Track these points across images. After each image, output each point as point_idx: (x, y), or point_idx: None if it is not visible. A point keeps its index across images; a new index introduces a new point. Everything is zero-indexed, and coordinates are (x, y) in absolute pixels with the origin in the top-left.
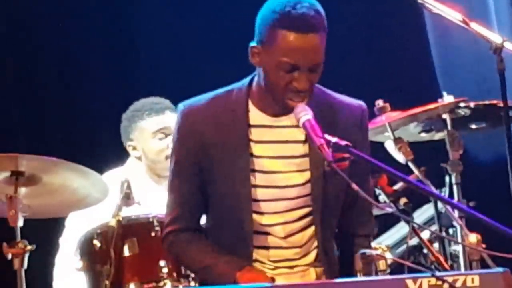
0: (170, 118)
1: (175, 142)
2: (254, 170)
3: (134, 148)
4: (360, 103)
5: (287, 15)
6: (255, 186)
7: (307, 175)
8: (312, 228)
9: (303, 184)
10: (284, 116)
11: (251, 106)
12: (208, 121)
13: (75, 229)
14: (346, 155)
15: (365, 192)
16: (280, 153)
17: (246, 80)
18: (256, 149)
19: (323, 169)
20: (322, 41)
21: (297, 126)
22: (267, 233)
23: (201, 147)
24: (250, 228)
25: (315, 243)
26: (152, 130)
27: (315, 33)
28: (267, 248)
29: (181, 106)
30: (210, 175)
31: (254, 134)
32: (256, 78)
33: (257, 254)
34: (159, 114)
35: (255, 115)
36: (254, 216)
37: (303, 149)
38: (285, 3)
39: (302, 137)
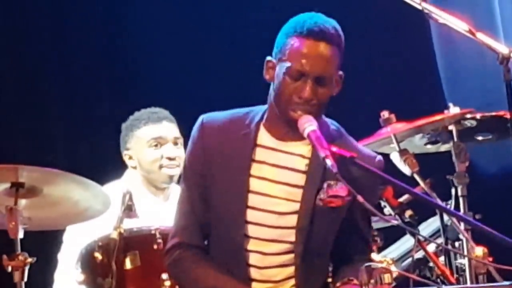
0: (166, 128)
1: (187, 151)
2: (250, 191)
3: (130, 158)
4: (376, 155)
5: (303, 23)
6: (248, 207)
7: (294, 206)
8: (292, 268)
9: (287, 213)
10: (291, 142)
11: (262, 128)
12: (220, 138)
13: (74, 244)
14: (342, 194)
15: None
16: (276, 178)
17: (266, 106)
18: (255, 169)
19: (314, 204)
20: (334, 54)
21: (300, 156)
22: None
23: (207, 160)
24: (242, 249)
25: (291, 282)
26: (147, 139)
27: (327, 43)
28: (259, 268)
29: (201, 118)
30: (210, 190)
31: (258, 154)
32: (268, 100)
33: (252, 272)
34: (155, 123)
35: (263, 136)
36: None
37: (300, 179)
38: (304, 16)
39: (303, 167)
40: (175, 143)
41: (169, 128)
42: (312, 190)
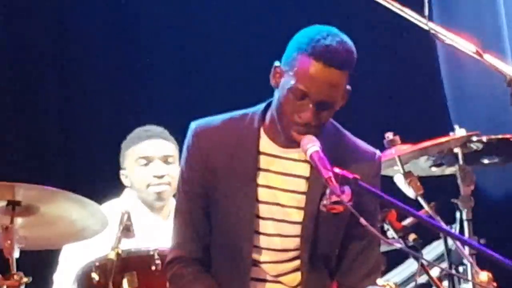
0: (153, 146)
1: (183, 162)
2: (257, 200)
3: (126, 177)
4: (375, 151)
5: (316, 43)
6: (257, 217)
7: (303, 213)
8: (296, 274)
9: (300, 222)
10: (293, 149)
11: (262, 134)
12: (218, 143)
13: (70, 264)
14: (344, 199)
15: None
16: (284, 186)
17: (261, 106)
18: (262, 178)
19: (318, 210)
20: (342, 79)
21: (304, 161)
22: (260, 267)
23: (208, 168)
24: (249, 259)
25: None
26: (136, 158)
27: (338, 70)
28: (263, 281)
29: (193, 125)
30: (214, 199)
31: (262, 162)
32: (271, 105)
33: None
34: (143, 141)
35: (265, 143)
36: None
37: (305, 186)
38: (319, 32)
39: (307, 174)
40: (165, 161)
41: (158, 146)
42: (314, 194)
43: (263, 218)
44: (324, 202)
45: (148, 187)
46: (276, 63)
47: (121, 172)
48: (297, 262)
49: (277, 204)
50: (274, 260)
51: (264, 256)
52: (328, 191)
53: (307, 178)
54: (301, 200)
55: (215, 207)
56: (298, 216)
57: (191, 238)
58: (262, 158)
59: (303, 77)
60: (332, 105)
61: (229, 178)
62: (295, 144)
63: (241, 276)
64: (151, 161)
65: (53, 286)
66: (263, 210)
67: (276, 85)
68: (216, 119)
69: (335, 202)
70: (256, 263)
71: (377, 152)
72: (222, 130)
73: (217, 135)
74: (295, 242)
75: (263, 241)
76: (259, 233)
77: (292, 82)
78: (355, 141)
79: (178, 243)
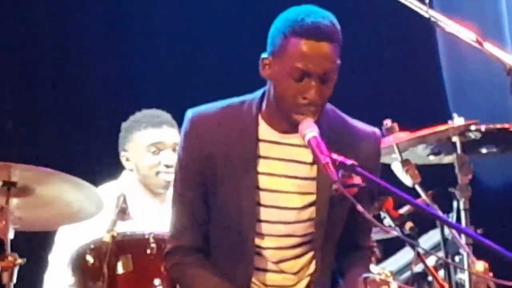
0: (166, 134)
1: (181, 149)
2: (258, 188)
3: (128, 160)
4: (374, 130)
5: (300, 23)
6: (259, 204)
7: (309, 198)
8: (307, 257)
9: (302, 208)
10: (292, 134)
11: (261, 120)
12: (216, 131)
13: (66, 246)
14: (356, 182)
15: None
16: (285, 172)
17: (259, 93)
18: (262, 165)
19: (329, 193)
20: (335, 51)
21: (305, 146)
22: (261, 255)
23: (207, 156)
24: (252, 248)
25: (308, 271)
26: (146, 144)
27: (328, 42)
28: (264, 270)
29: (189, 113)
30: (214, 187)
31: (262, 149)
32: (267, 94)
33: (255, 276)
34: (155, 128)
35: (264, 130)
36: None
37: (310, 171)
38: (299, 12)
39: (310, 159)
40: (174, 149)
41: (169, 134)
42: (326, 180)
43: (265, 206)
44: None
45: (158, 175)
46: (263, 55)
47: (122, 154)
48: (300, 249)
49: (279, 191)
50: (276, 246)
51: (266, 242)
52: (340, 174)
53: (311, 164)
54: (304, 185)
55: (215, 195)
56: (301, 201)
57: (190, 227)
58: (262, 145)
59: (298, 57)
60: (331, 77)
61: (228, 166)
62: (295, 129)
63: (245, 263)
64: (162, 149)
65: (48, 266)
66: (264, 197)
67: (268, 76)
68: (212, 107)
69: (349, 185)
70: (259, 249)
71: (376, 130)
72: (220, 118)
73: (214, 122)
74: (297, 230)
75: (265, 228)
76: (261, 221)
77: (289, 65)
78: (354, 122)
79: (177, 233)
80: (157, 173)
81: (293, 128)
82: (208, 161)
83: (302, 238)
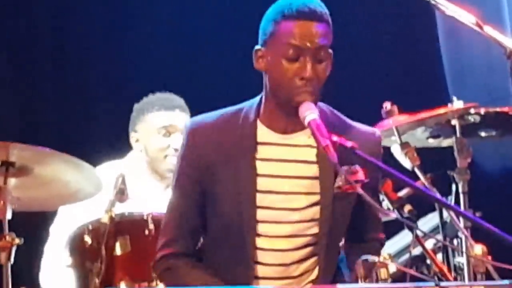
0: (178, 117)
1: (179, 158)
2: (258, 190)
3: (137, 141)
4: (374, 130)
5: (289, 6)
6: (259, 207)
7: (313, 198)
8: (310, 261)
9: (306, 207)
10: (293, 134)
11: (259, 124)
12: (215, 140)
13: (68, 218)
14: (360, 178)
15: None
16: (286, 173)
17: (256, 99)
18: (261, 167)
19: (333, 192)
20: (326, 30)
21: (307, 146)
22: (263, 257)
23: (206, 166)
24: (253, 250)
25: (310, 277)
26: (158, 126)
27: (318, 22)
28: (266, 274)
29: (188, 123)
30: (213, 194)
31: (261, 152)
32: (264, 94)
33: (256, 280)
34: (168, 110)
35: (263, 133)
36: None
37: (313, 170)
38: (286, 0)
39: (313, 158)
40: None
41: (181, 118)
42: (329, 179)
43: (265, 208)
44: (340, 183)
45: (166, 158)
46: (256, 47)
47: (132, 135)
48: (303, 252)
49: (281, 192)
50: (278, 248)
51: (269, 244)
52: (341, 171)
53: (314, 163)
54: (308, 185)
55: (215, 201)
56: (306, 201)
57: (183, 235)
58: (261, 148)
59: (290, 35)
60: (325, 56)
61: (227, 172)
62: (295, 127)
63: (245, 266)
64: (173, 132)
65: (49, 238)
66: (264, 199)
67: (263, 68)
68: (211, 116)
69: (353, 182)
70: (260, 252)
71: (376, 131)
72: (218, 125)
73: (212, 131)
74: (301, 229)
75: (265, 229)
76: (260, 222)
77: (281, 47)
78: (354, 123)
79: (170, 241)
80: (166, 156)
81: (292, 126)
82: (206, 171)
83: (306, 239)
